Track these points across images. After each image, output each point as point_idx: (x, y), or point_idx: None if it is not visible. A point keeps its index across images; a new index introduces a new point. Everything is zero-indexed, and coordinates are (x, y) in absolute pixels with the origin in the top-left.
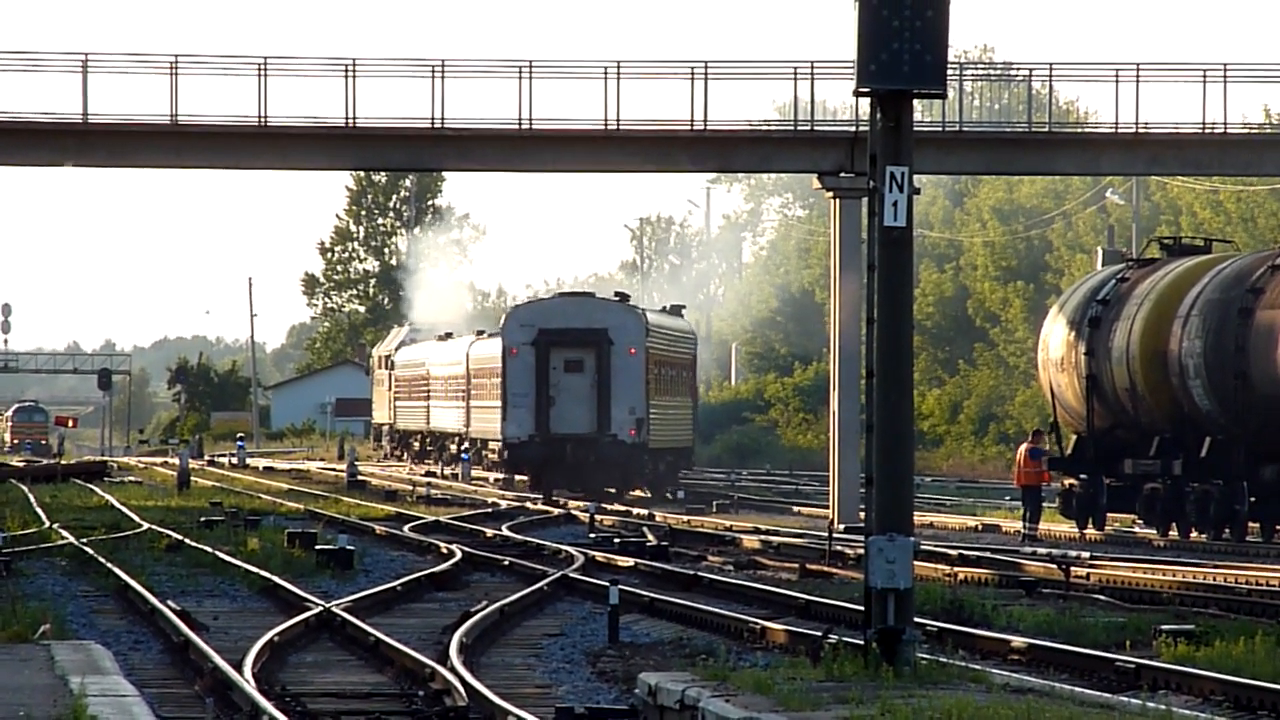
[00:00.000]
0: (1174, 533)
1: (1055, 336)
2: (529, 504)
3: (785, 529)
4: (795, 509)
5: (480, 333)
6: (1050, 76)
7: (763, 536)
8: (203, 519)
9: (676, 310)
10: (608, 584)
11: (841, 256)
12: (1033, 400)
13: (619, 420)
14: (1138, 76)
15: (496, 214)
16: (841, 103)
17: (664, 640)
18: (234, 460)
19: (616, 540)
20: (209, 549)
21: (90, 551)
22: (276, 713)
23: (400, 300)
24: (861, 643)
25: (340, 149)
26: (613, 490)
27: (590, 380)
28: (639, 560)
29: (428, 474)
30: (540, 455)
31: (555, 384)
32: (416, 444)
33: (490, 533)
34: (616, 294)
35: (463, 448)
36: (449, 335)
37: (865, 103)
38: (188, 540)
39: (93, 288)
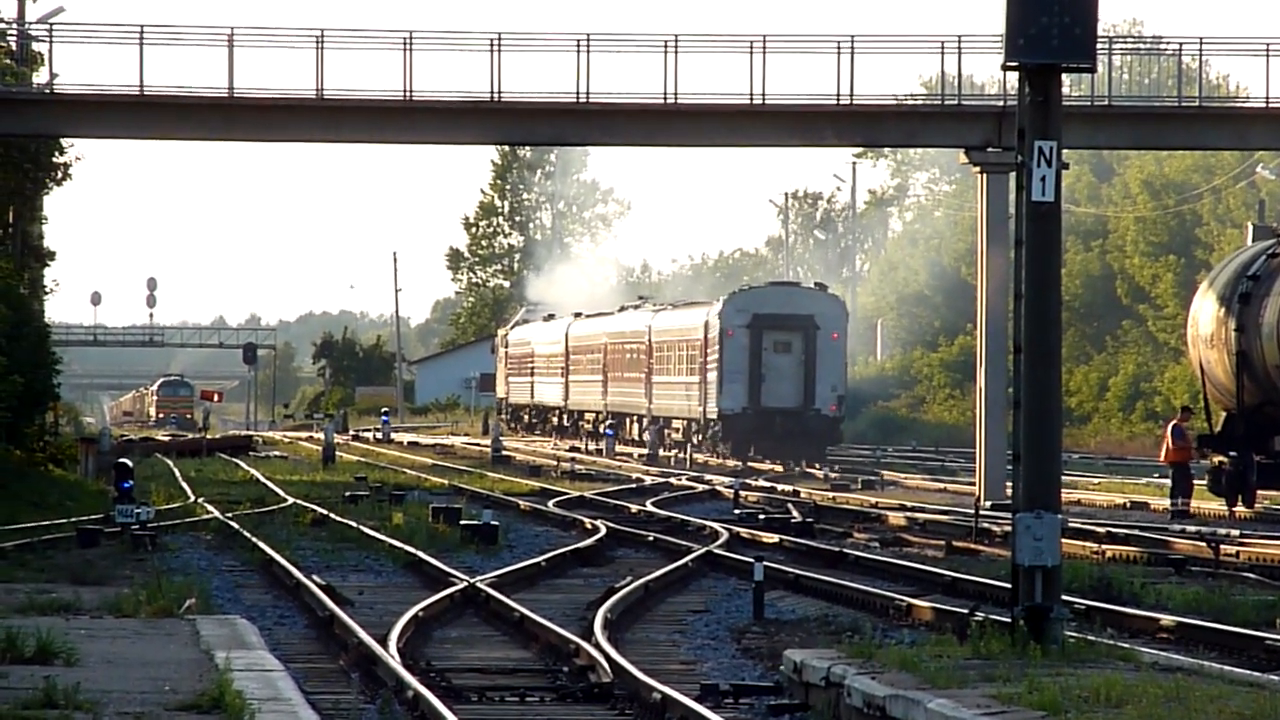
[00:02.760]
0: None
1: (1205, 313)
2: (673, 479)
3: (931, 506)
4: (943, 486)
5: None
6: (1200, 50)
7: (908, 513)
8: (347, 494)
9: (823, 288)
10: (753, 560)
11: (988, 232)
12: (1182, 376)
13: (822, 396)
14: None
15: (641, 189)
16: (989, 77)
17: (809, 617)
18: (379, 435)
19: (761, 516)
20: (354, 524)
21: (235, 526)
22: (422, 688)
23: (532, 277)
24: (1009, 620)
25: (485, 123)
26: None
27: (798, 360)
28: (784, 536)
29: (572, 449)
30: (751, 426)
31: (766, 363)
32: (525, 416)
33: (635, 508)
34: (816, 284)
35: (606, 424)
36: (552, 316)
37: (1013, 77)
38: (332, 515)
39: (238, 262)
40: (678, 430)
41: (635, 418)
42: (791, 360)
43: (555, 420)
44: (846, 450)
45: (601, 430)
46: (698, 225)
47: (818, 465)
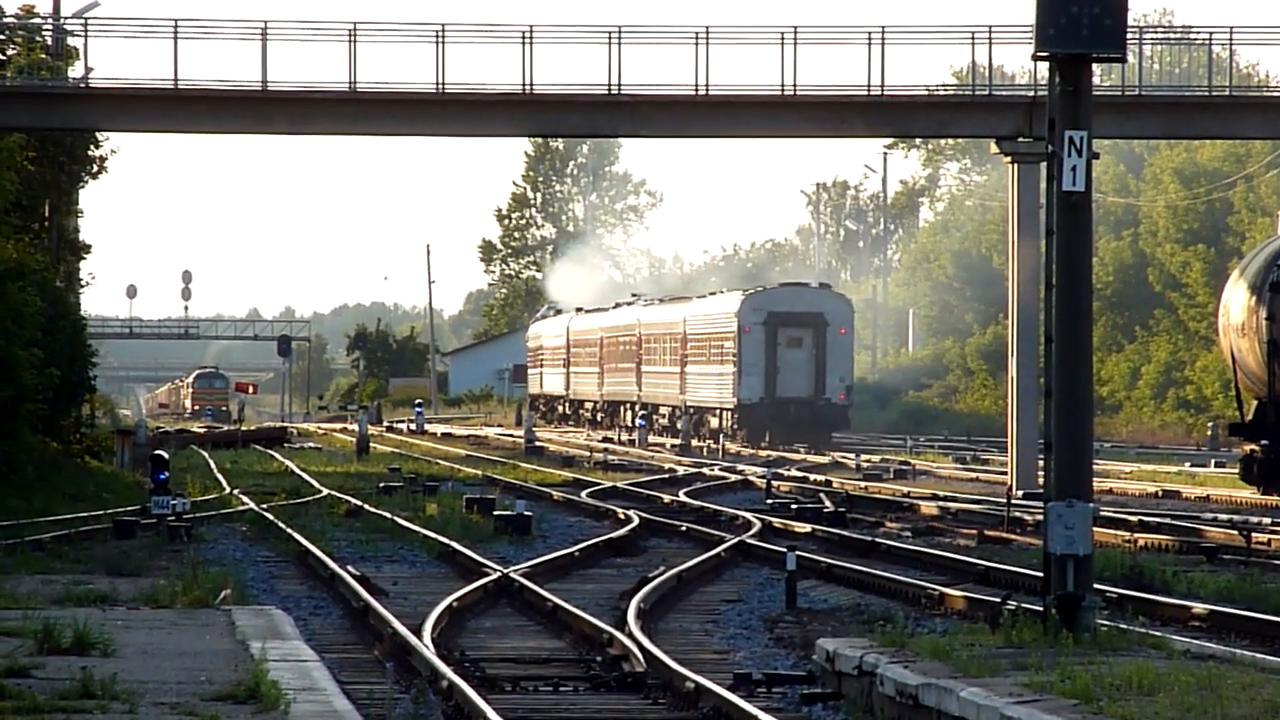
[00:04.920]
0: None
1: (1236, 301)
2: (705, 470)
3: (963, 495)
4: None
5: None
6: (1231, 40)
7: (940, 503)
8: (381, 485)
9: (826, 288)
10: (785, 550)
11: (1019, 222)
12: (1213, 365)
13: (832, 387)
14: None
15: (673, 180)
16: (1020, 67)
17: (841, 606)
18: (412, 426)
19: (794, 506)
20: (388, 515)
21: (270, 517)
22: (456, 678)
23: (552, 272)
24: (1041, 609)
25: (518, 115)
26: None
27: (809, 354)
28: (816, 526)
29: (604, 440)
30: (768, 414)
31: (780, 357)
32: (540, 406)
33: (667, 498)
34: (820, 284)
35: (639, 413)
36: (559, 312)
37: (1044, 67)
38: (367, 506)
39: (272, 255)
40: (664, 416)
41: (628, 405)
42: (803, 354)
43: (560, 409)
44: (878, 440)
45: (600, 418)
46: (729, 216)
47: (821, 451)
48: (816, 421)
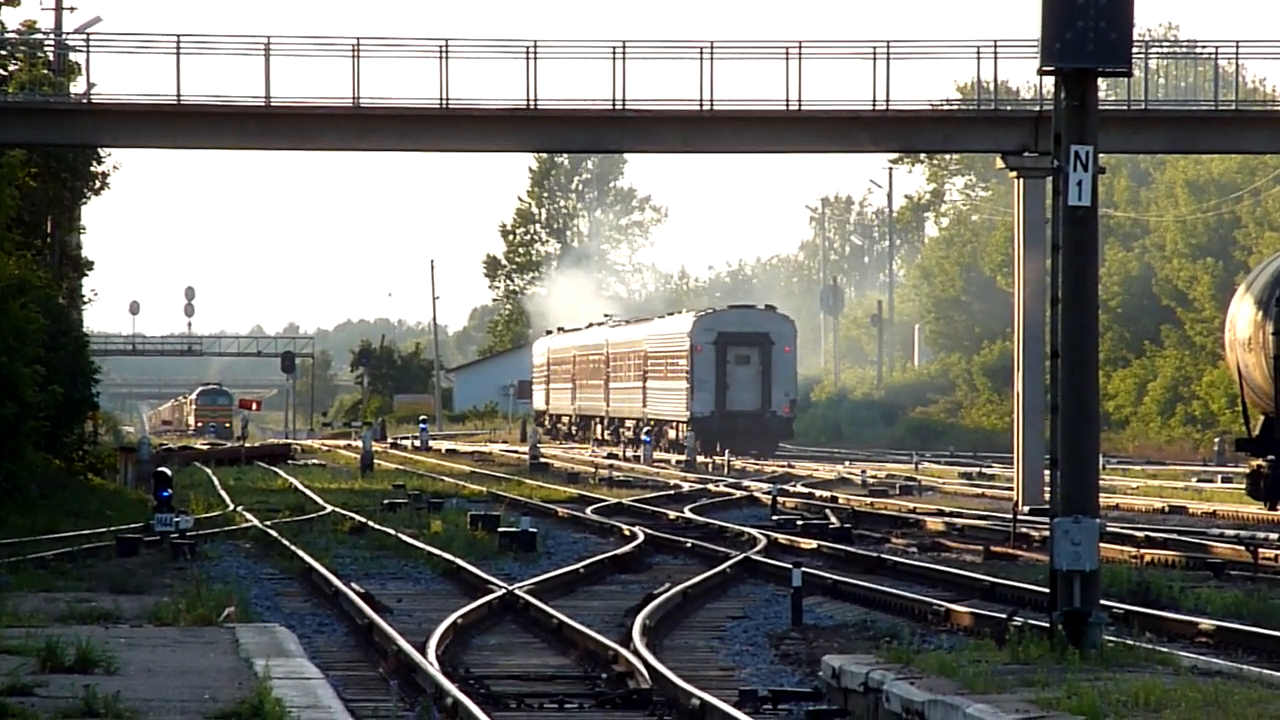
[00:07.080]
0: None
1: (1242, 316)
2: (711, 486)
3: (969, 511)
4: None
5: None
6: (1237, 54)
7: (946, 518)
8: (386, 502)
9: (771, 309)
10: (790, 566)
11: (1025, 236)
12: (1220, 380)
13: (777, 400)
14: None
15: (678, 195)
16: (1025, 82)
17: (848, 623)
18: (417, 443)
19: (799, 523)
20: (392, 532)
21: (274, 534)
22: (461, 695)
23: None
24: (1047, 625)
25: (522, 131)
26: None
27: (756, 370)
28: (822, 542)
29: (610, 456)
30: (718, 426)
31: (730, 373)
32: (533, 420)
33: (673, 515)
34: (766, 306)
35: (644, 429)
36: (549, 332)
37: (1049, 81)
38: (371, 523)
39: (276, 270)
40: (629, 429)
41: (597, 419)
42: (750, 370)
43: (545, 424)
44: (882, 455)
45: (574, 431)
46: (734, 231)
47: (762, 456)
48: (764, 433)
